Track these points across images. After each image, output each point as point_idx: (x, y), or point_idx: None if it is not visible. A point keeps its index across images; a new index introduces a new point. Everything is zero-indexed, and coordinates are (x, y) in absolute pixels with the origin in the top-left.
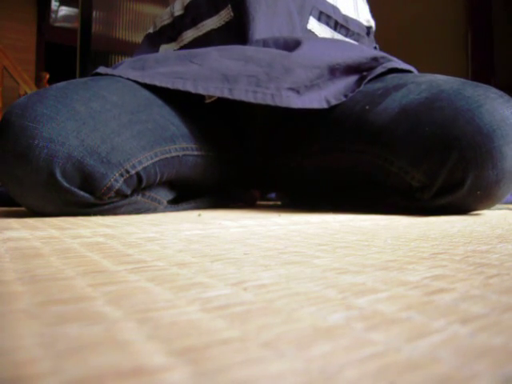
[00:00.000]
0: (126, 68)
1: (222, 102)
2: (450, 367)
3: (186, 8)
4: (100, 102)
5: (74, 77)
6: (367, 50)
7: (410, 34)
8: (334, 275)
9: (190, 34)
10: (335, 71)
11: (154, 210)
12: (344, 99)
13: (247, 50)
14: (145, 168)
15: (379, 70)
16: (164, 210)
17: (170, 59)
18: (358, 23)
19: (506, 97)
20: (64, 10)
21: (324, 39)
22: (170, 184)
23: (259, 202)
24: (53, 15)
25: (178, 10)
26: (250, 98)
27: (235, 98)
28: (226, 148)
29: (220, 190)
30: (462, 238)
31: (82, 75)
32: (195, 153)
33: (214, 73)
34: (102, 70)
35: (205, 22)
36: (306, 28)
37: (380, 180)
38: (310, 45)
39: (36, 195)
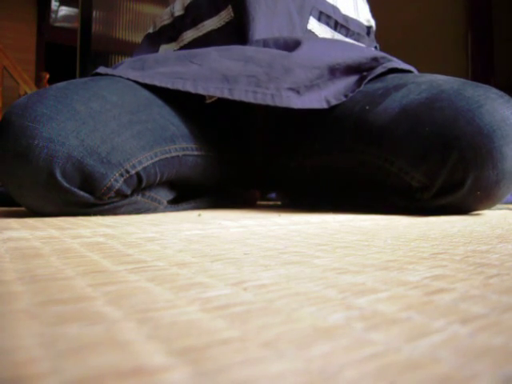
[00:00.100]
0: (126, 68)
1: (222, 102)
2: (450, 367)
3: (187, 8)
4: (100, 102)
5: (74, 77)
6: (367, 50)
7: (410, 34)
8: (333, 275)
9: (190, 35)
10: (335, 71)
11: (154, 210)
12: (344, 99)
13: (247, 50)
14: (145, 168)
15: (379, 70)
16: (164, 210)
17: (169, 59)
18: (358, 23)
19: (506, 97)
20: (64, 10)
21: (324, 39)
22: (170, 184)
23: (259, 202)
24: (53, 15)
25: (178, 10)
26: (249, 98)
27: (235, 98)
28: (226, 148)
29: (220, 190)
30: (462, 237)
31: (82, 75)
32: (195, 153)
33: (214, 73)
34: (101, 70)
35: (205, 23)
36: (306, 28)
37: (380, 180)
38: (310, 45)
39: (36, 195)
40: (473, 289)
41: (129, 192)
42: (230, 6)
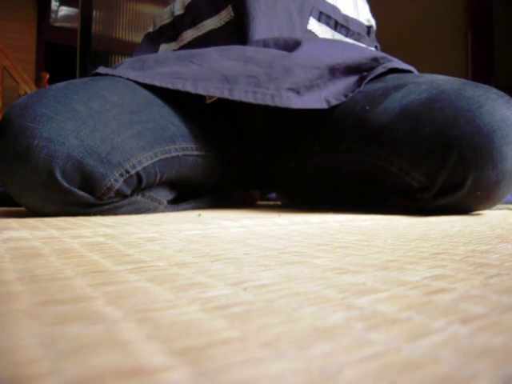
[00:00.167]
0: (126, 68)
1: (222, 102)
2: (450, 367)
3: (187, 8)
4: (100, 102)
5: (74, 77)
6: (367, 50)
7: (410, 34)
8: (334, 275)
9: (189, 34)
10: (335, 71)
11: (154, 210)
12: (344, 99)
13: (247, 50)
14: (145, 168)
15: (379, 70)
16: (164, 210)
17: (169, 59)
18: (358, 23)
19: (507, 97)
20: (64, 10)
21: (324, 39)
22: (170, 184)
23: (259, 202)
24: (53, 15)
25: (178, 9)
26: (249, 98)
27: (235, 98)
28: (226, 148)
29: (220, 190)
30: (462, 237)
31: (82, 75)
32: (195, 153)
33: (214, 73)
34: (101, 70)
35: (205, 22)
36: (306, 28)
37: (380, 180)
38: (310, 45)
39: (36, 195)
40: (473, 289)
41: (129, 192)
42: (230, 6)
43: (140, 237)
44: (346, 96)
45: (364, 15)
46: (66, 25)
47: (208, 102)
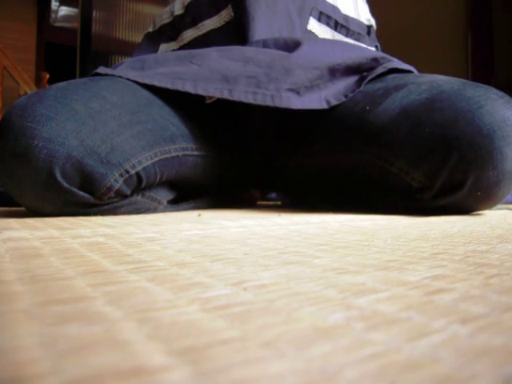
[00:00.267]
0: (126, 68)
1: (222, 102)
2: (450, 367)
3: (187, 7)
4: (100, 102)
5: (74, 77)
6: (367, 51)
7: (409, 34)
8: (334, 275)
9: (189, 34)
10: (335, 72)
11: (154, 210)
12: (344, 99)
13: (247, 50)
14: (144, 168)
15: (379, 70)
16: (164, 210)
17: (169, 59)
18: (358, 23)
19: (507, 97)
20: (64, 10)
21: (324, 40)
22: (170, 184)
23: (259, 202)
24: (53, 15)
25: (178, 9)
26: (249, 98)
27: (235, 99)
28: (225, 148)
29: (220, 190)
30: (462, 237)
31: (82, 75)
32: (195, 153)
33: (214, 73)
34: (101, 70)
35: (205, 22)
36: (306, 28)
37: (380, 180)
38: (310, 45)
39: (36, 195)
40: (473, 289)
41: (129, 192)
42: (230, 6)
43: (140, 237)
44: (346, 96)
45: (364, 15)
46: (65, 25)
47: (208, 102)
